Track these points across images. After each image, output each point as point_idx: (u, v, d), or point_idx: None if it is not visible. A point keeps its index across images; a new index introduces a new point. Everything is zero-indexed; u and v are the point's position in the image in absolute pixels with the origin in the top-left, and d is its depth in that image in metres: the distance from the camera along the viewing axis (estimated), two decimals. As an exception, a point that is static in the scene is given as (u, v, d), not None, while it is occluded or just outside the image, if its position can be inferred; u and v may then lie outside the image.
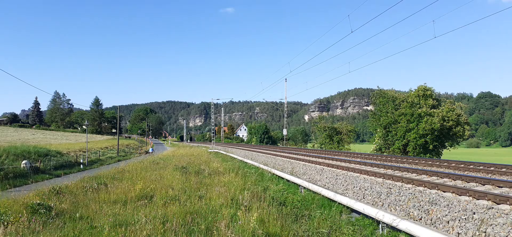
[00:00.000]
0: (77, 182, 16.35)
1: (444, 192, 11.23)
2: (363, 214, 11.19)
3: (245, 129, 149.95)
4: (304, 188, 16.31)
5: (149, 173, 19.73)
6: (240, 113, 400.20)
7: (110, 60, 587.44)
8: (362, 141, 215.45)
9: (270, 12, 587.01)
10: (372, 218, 10.48)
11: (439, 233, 8.05)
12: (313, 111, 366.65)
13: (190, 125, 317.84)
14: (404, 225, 8.95)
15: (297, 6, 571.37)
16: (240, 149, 53.87)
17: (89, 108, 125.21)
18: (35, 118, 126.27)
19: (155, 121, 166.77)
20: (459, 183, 12.56)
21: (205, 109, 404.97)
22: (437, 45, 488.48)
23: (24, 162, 24.03)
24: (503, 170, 15.25)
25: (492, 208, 8.95)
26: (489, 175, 14.72)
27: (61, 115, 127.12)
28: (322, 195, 14.16)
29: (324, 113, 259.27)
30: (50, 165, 27.01)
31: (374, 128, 47.47)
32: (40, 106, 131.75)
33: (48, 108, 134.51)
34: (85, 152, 36.89)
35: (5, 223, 8.97)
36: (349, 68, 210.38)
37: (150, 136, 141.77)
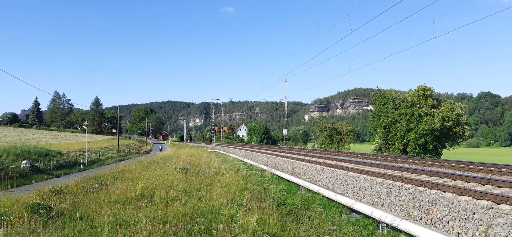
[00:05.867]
0: (77, 182, 16.34)
1: (444, 192, 11.24)
2: (363, 214, 11.20)
3: (245, 129, 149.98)
4: (305, 188, 16.32)
5: (149, 173, 19.73)
6: (240, 113, 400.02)
7: (110, 60, 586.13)
8: (362, 141, 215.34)
9: (270, 12, 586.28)
10: (372, 218, 10.49)
11: (439, 233, 8.06)
12: (313, 111, 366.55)
13: (190, 124, 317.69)
14: (404, 225, 8.96)
15: (297, 6, 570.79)
16: (240, 149, 53.87)
17: (89, 108, 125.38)
18: (35, 118, 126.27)
19: (155, 121, 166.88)
20: (459, 183, 12.56)
21: (205, 109, 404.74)
22: (437, 45, 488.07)
23: (24, 162, 24.03)
24: (503, 170, 15.26)
25: (492, 208, 8.95)
26: (489, 175, 14.72)
27: (61, 115, 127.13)
28: (322, 195, 14.17)
29: (324, 114, 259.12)
30: (50, 165, 27.00)
31: (374, 128, 47.51)
32: (40, 106, 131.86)
33: (48, 109, 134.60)
34: (85, 152, 36.89)
35: (6, 223, 8.98)
36: (349, 68, 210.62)
37: (151, 136, 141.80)
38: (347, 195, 14.13)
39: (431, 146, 38.34)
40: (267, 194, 13.98)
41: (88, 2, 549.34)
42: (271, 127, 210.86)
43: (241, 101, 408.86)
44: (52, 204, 10.84)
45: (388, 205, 11.92)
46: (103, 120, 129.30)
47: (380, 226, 10.07)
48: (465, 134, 39.25)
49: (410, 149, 39.43)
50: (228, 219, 9.47)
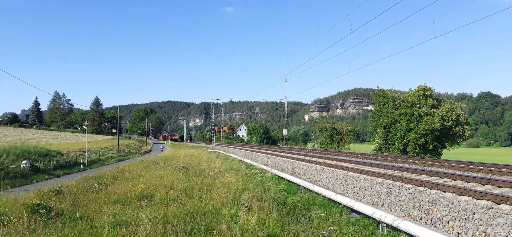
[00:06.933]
0: (77, 182, 16.36)
1: (444, 192, 11.24)
2: (363, 214, 11.20)
3: (245, 129, 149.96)
4: (304, 188, 16.31)
5: (149, 173, 19.74)
6: (240, 113, 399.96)
7: (110, 60, 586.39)
8: (362, 141, 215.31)
9: (270, 12, 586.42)
10: (373, 218, 10.48)
11: (439, 233, 8.06)
12: (313, 111, 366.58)
13: (190, 124, 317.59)
14: (404, 225, 8.96)
15: (297, 6, 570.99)
16: (240, 149, 53.89)
17: (89, 108, 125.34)
18: (35, 118, 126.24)
19: (155, 121, 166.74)
20: (459, 183, 12.56)
21: (205, 109, 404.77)
22: (437, 45, 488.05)
23: (24, 162, 24.03)
24: (503, 170, 15.25)
25: (492, 208, 8.95)
26: (489, 175, 14.72)
27: (61, 116, 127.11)
28: (322, 195, 14.17)
29: (324, 114, 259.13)
30: (50, 165, 27.00)
31: (374, 128, 47.47)
32: (40, 106, 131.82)
33: (48, 109, 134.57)
34: (85, 152, 36.89)
35: (6, 223, 8.98)
36: (349, 68, 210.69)
37: (151, 136, 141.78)
38: (347, 195, 14.13)
39: (431, 146, 38.33)
40: (267, 194, 13.97)
41: (88, 2, 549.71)
42: (271, 127, 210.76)
43: (241, 101, 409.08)
44: (52, 204, 10.84)
45: (388, 205, 11.93)
46: (103, 120, 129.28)
47: (380, 226, 10.07)
48: (465, 133, 39.23)
49: (410, 149, 39.41)
50: (228, 219, 9.46)
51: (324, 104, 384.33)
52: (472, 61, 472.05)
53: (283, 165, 25.40)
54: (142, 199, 12.58)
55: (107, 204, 11.59)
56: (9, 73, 78.69)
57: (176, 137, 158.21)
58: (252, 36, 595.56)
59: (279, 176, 20.56)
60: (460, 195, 10.61)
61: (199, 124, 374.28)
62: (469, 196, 10.34)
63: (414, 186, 12.63)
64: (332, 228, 10.06)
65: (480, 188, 11.47)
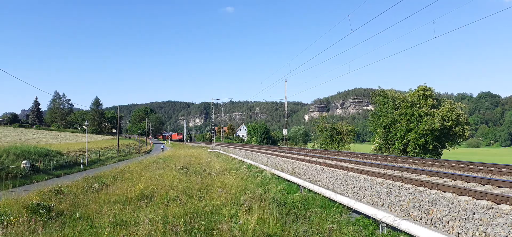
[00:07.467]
0: (77, 182, 16.35)
1: (444, 192, 11.24)
2: (363, 214, 11.20)
3: (245, 129, 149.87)
4: (304, 188, 16.31)
5: (149, 173, 19.72)
6: (240, 113, 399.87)
7: (110, 60, 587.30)
8: (362, 141, 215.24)
9: (270, 12, 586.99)
10: (373, 218, 10.48)
11: (439, 233, 8.06)
12: (313, 111, 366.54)
13: (190, 124, 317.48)
14: (404, 225, 8.96)
15: (297, 6, 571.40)
16: (240, 149, 53.87)
17: (89, 108, 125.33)
18: (35, 118, 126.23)
19: (155, 121, 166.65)
20: (459, 183, 12.56)
21: (205, 109, 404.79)
22: (437, 45, 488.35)
23: (24, 162, 24.02)
24: (503, 170, 15.26)
25: (492, 208, 8.96)
26: (489, 175, 14.72)
27: (61, 116, 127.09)
28: (323, 195, 14.17)
29: (324, 114, 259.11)
30: (50, 165, 26.98)
31: (374, 128, 47.47)
32: (40, 106, 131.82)
33: (48, 109, 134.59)
34: (85, 152, 36.88)
35: (5, 223, 8.97)
36: (349, 68, 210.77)
37: (151, 136, 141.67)
38: (347, 195, 14.13)
39: (431, 146, 38.33)
40: (267, 194, 13.96)
41: (88, 2, 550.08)
42: (271, 127, 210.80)
43: (241, 101, 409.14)
44: (52, 204, 10.83)
45: (388, 205, 11.93)
46: (103, 120, 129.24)
47: (380, 226, 10.07)
48: (465, 133, 39.22)
49: (410, 149, 39.41)
50: (228, 219, 9.46)
51: (324, 104, 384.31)
52: (472, 61, 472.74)
53: (283, 165, 25.40)
54: (142, 199, 12.57)
55: (107, 204, 11.58)
56: (9, 73, 78.91)
57: (181, 136, 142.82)
58: (252, 36, 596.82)
59: (279, 176, 20.56)
60: (460, 195, 10.61)
61: (199, 124, 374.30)
62: (469, 196, 10.34)
63: (414, 186, 12.63)
64: (332, 227, 10.05)
65: (480, 188, 11.47)
